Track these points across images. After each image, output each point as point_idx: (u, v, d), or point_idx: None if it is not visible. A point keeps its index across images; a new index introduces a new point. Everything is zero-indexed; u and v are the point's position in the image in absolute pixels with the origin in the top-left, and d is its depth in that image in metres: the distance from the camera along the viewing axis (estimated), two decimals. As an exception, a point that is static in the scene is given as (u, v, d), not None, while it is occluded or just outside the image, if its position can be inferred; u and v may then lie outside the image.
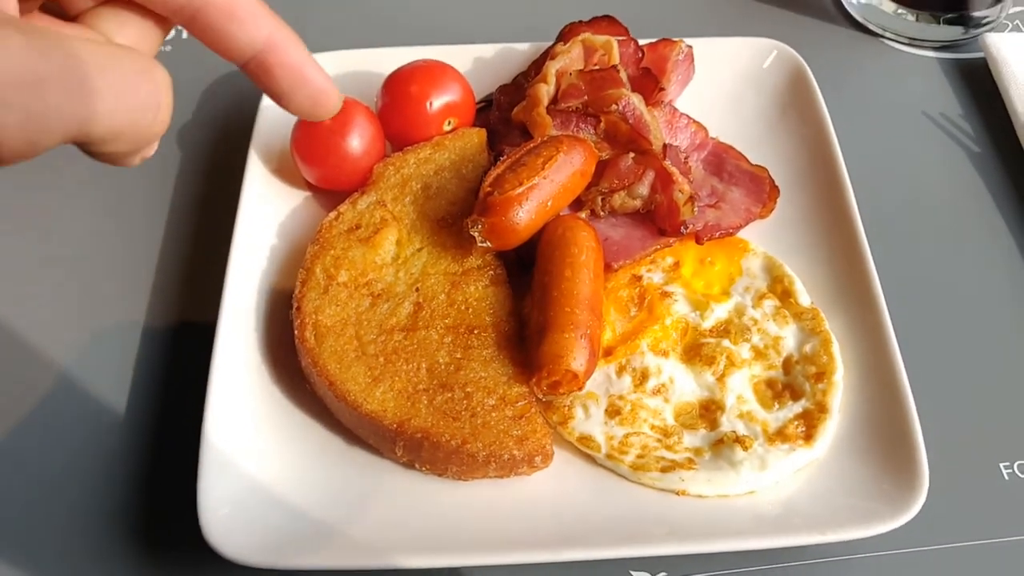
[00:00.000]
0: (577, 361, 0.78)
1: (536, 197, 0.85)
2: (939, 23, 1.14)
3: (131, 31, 0.49)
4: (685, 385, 0.83)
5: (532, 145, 0.88)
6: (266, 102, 1.00)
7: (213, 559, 0.72)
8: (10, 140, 0.37)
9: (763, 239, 0.93)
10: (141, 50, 0.48)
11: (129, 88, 0.42)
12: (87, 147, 0.41)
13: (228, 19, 0.49)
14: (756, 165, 0.98)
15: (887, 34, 1.17)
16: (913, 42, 1.16)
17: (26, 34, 0.37)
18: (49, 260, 0.97)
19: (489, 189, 0.85)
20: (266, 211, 0.94)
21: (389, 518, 0.77)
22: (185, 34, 1.18)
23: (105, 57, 0.40)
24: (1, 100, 0.36)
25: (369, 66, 1.02)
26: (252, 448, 0.79)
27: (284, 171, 0.97)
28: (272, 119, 0.98)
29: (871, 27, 1.17)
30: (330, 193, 0.95)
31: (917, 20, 1.14)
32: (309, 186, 0.96)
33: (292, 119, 0.96)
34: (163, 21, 0.50)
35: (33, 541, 0.78)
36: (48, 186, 1.03)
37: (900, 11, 1.15)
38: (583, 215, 0.91)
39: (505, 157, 0.88)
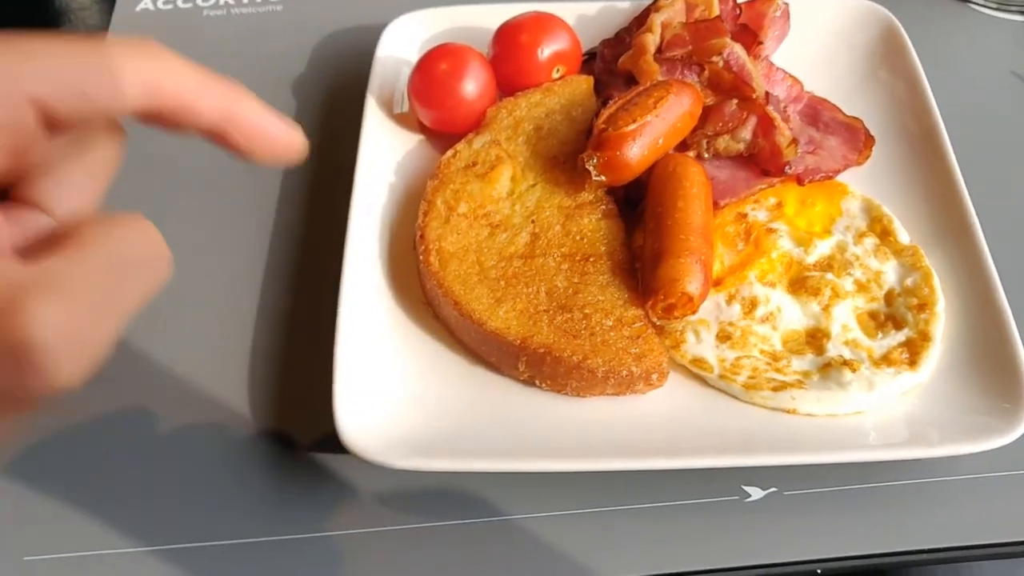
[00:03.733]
0: (693, 284, 0.82)
1: (648, 134, 0.89)
2: (1026, -12, 1.17)
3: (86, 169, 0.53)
4: (792, 314, 0.87)
5: (643, 88, 0.93)
6: (381, 53, 1.05)
7: (348, 460, 0.77)
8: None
9: (861, 184, 0.97)
10: (102, 172, 0.53)
11: (155, 261, 0.48)
12: None
13: (180, 112, 0.50)
14: (851, 116, 1.01)
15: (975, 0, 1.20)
16: (1001, 6, 1.19)
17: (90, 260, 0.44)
18: (183, 195, 1.02)
19: (604, 126, 0.89)
20: (383, 152, 0.98)
21: (510, 428, 0.81)
22: (295, -6, 1.23)
23: (132, 244, 0.47)
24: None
25: (479, 21, 1.07)
26: (381, 364, 0.84)
27: (398, 117, 1.02)
28: (385, 70, 1.04)
29: (958, -7, 1.21)
30: (443, 136, 1.00)
31: (1004, -14, 1.18)
32: (423, 129, 1.01)
33: (405, 69, 1.02)
34: (115, 138, 0.53)
35: (187, 448, 0.84)
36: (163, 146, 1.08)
37: (988, -24, 1.18)
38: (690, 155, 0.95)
39: (618, 98, 0.92)
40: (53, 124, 0.46)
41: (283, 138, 0.54)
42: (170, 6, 1.22)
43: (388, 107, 1.02)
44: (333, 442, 0.77)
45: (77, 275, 0.43)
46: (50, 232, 0.49)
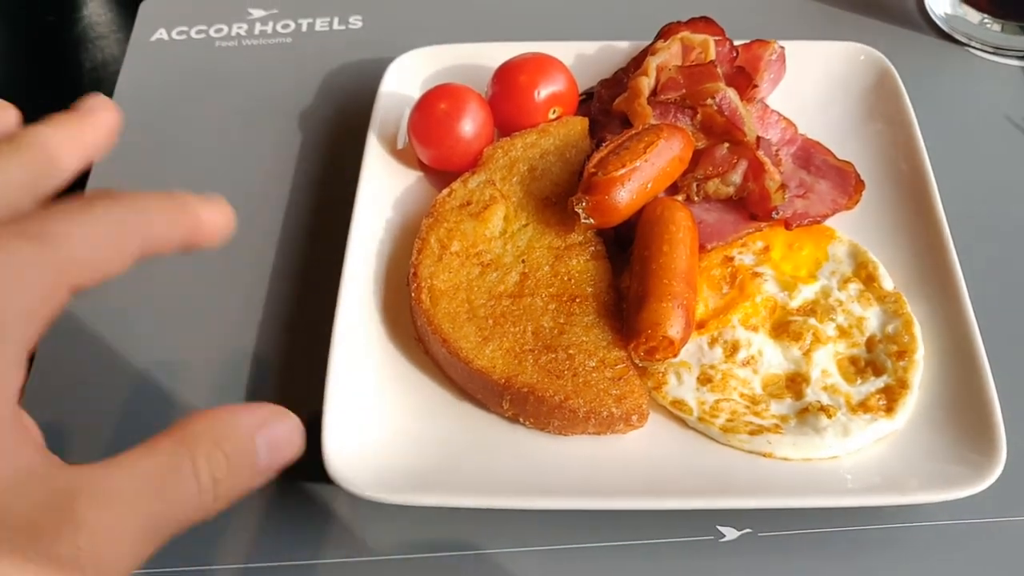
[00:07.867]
0: (674, 328, 0.84)
1: (637, 178, 0.91)
2: (1024, 33, 1.19)
3: None
4: (773, 358, 0.89)
5: (634, 132, 0.95)
6: (384, 88, 1.08)
7: (334, 491, 0.80)
8: None
9: (849, 228, 0.98)
10: None
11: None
12: None
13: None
14: (843, 160, 1.03)
15: (972, 43, 1.21)
16: (998, 51, 1.20)
17: None
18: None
19: (594, 170, 0.92)
20: (383, 188, 1.01)
21: (494, 465, 0.83)
22: (305, 26, 1.27)
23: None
24: None
25: (481, 59, 1.10)
26: (371, 398, 0.86)
27: (398, 153, 1.05)
28: (388, 106, 1.07)
29: (956, 36, 1.22)
30: (441, 173, 1.03)
31: (1002, 30, 1.19)
32: (422, 166, 1.04)
33: (407, 105, 1.04)
34: None
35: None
36: (174, 171, 1.12)
37: (985, 21, 1.19)
38: (679, 199, 0.97)
39: (609, 142, 0.94)
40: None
41: (224, 222, 0.61)
42: (183, 36, 1.26)
43: (390, 142, 1.05)
44: (321, 472, 0.79)
45: None
46: None
